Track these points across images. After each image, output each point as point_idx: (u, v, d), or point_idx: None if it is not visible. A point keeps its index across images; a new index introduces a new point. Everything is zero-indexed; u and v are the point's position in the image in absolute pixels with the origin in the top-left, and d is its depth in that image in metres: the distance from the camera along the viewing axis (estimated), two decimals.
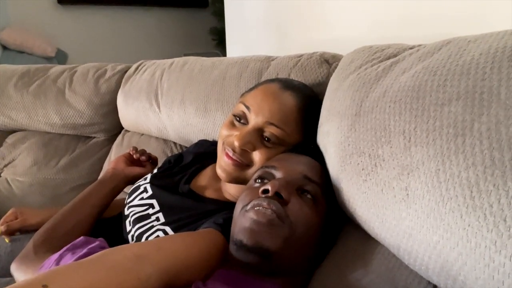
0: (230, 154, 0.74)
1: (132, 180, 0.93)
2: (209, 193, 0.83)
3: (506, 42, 0.46)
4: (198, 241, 0.63)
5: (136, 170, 0.95)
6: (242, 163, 0.74)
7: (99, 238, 0.68)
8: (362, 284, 0.55)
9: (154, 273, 0.51)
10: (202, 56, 1.24)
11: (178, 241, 0.61)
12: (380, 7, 1.14)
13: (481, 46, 0.49)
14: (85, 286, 0.46)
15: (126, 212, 0.82)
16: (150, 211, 0.78)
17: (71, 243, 0.66)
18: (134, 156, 0.99)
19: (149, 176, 0.89)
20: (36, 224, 0.93)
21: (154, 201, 0.80)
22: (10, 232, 0.97)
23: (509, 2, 0.74)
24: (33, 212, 1.00)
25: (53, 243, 0.75)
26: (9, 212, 0.99)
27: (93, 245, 0.65)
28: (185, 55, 1.30)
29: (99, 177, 0.97)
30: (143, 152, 1.01)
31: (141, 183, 0.87)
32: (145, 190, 0.84)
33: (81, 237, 0.68)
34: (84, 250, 0.63)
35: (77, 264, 0.50)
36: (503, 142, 0.40)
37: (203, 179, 0.87)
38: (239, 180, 0.76)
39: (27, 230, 0.98)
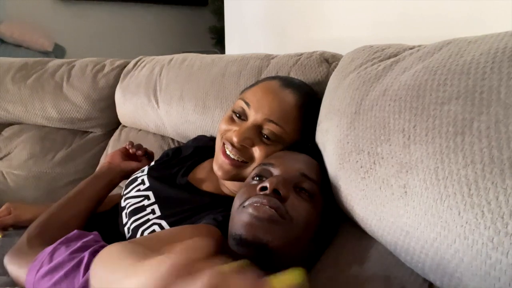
0: (229, 150, 0.74)
1: (128, 174, 0.93)
2: (207, 187, 0.82)
3: (506, 43, 0.47)
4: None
5: (132, 164, 0.95)
6: (239, 162, 0.74)
7: (93, 232, 0.68)
8: (358, 281, 0.55)
9: None
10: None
11: (178, 238, 0.61)
12: (380, 8, 1.14)
13: (481, 46, 0.50)
14: None
15: (123, 204, 0.82)
16: (146, 202, 0.78)
17: (64, 237, 0.66)
18: (130, 151, 0.98)
19: (146, 168, 0.89)
20: (29, 220, 0.92)
21: (150, 193, 0.80)
22: (2, 227, 0.96)
23: (509, 4, 0.75)
24: (27, 208, 1.00)
25: (47, 236, 0.74)
26: (3, 207, 0.99)
27: (87, 238, 0.65)
28: (184, 53, 1.30)
29: (95, 171, 0.96)
30: (139, 147, 1.00)
31: (138, 175, 0.87)
32: (142, 182, 0.84)
33: (75, 231, 0.68)
34: (78, 244, 0.62)
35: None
36: (502, 140, 0.41)
37: (201, 172, 0.87)
38: (236, 178, 0.76)
39: (20, 226, 0.97)
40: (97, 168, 1.13)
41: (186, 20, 3.85)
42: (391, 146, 0.53)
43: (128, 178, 0.92)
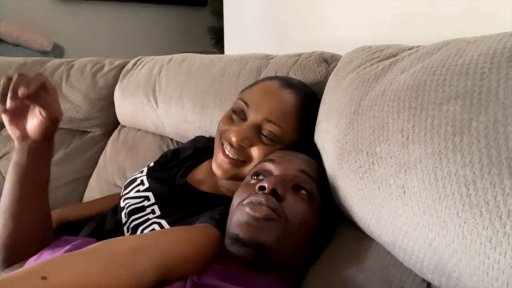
0: (227, 149, 0.74)
1: (49, 129, 0.65)
2: (205, 187, 0.83)
3: (505, 43, 0.47)
4: (194, 236, 0.63)
5: (38, 118, 0.63)
6: (238, 161, 0.74)
7: (83, 238, 0.67)
8: (357, 281, 0.55)
9: (150, 267, 0.51)
10: None
11: (174, 236, 0.61)
12: (379, 9, 1.14)
13: (480, 47, 0.50)
14: (83, 277, 0.45)
15: (122, 204, 0.82)
16: (146, 203, 0.78)
17: (52, 243, 0.65)
18: (17, 96, 0.60)
19: (145, 169, 0.89)
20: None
21: (150, 194, 0.80)
22: None
23: (508, 5, 0.75)
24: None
25: (21, 252, 0.67)
26: None
27: (75, 242, 0.64)
28: (183, 53, 1.30)
29: (13, 160, 0.66)
30: (18, 83, 0.60)
31: (137, 175, 0.87)
32: (142, 183, 0.84)
33: (62, 237, 0.67)
34: (67, 247, 0.61)
35: (74, 255, 0.50)
36: (500, 140, 0.41)
37: (200, 173, 0.87)
38: (235, 177, 0.76)
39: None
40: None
41: (185, 20, 3.85)
42: (390, 146, 0.53)
43: (51, 134, 0.66)
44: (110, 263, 0.48)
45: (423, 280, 0.51)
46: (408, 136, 0.50)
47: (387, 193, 0.52)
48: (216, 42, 3.44)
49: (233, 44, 2.09)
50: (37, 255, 0.63)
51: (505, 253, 0.38)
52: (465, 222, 0.42)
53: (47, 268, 0.44)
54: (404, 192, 0.49)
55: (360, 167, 0.58)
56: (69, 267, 0.46)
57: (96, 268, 0.47)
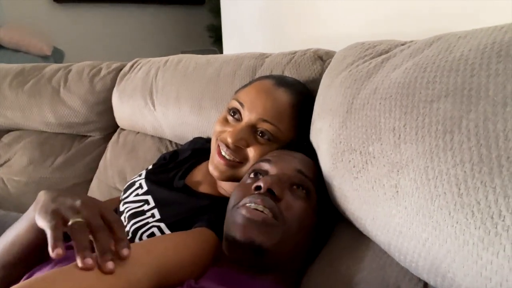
0: (223, 151, 0.74)
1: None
2: (204, 188, 0.82)
3: (495, 37, 0.46)
4: (190, 242, 0.63)
5: None
6: (234, 162, 0.74)
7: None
8: (354, 281, 0.55)
9: (144, 276, 0.51)
10: (199, 53, 1.24)
11: (169, 243, 0.61)
12: (374, 4, 1.13)
13: (470, 42, 0.49)
14: None
15: (121, 208, 0.82)
16: (146, 207, 0.78)
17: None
18: None
19: (144, 172, 0.89)
20: None
21: (149, 197, 0.80)
22: None
23: (507, 4, 0.74)
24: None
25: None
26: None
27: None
28: (182, 52, 1.30)
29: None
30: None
31: (136, 179, 0.87)
32: (140, 186, 0.84)
33: None
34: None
35: (66, 269, 0.49)
36: (490, 139, 0.40)
37: (198, 174, 0.87)
38: (232, 178, 0.76)
39: None
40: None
41: (184, 19, 3.84)
42: (382, 145, 0.52)
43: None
44: (104, 275, 0.48)
45: (420, 279, 0.50)
46: (399, 135, 0.50)
47: (381, 193, 0.52)
48: (215, 40, 3.43)
49: (232, 42, 2.08)
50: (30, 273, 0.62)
51: (498, 253, 0.38)
52: (457, 222, 0.41)
53: (36, 285, 0.43)
54: (397, 192, 0.49)
55: (354, 167, 0.57)
56: (59, 282, 0.45)
57: (89, 280, 0.46)
